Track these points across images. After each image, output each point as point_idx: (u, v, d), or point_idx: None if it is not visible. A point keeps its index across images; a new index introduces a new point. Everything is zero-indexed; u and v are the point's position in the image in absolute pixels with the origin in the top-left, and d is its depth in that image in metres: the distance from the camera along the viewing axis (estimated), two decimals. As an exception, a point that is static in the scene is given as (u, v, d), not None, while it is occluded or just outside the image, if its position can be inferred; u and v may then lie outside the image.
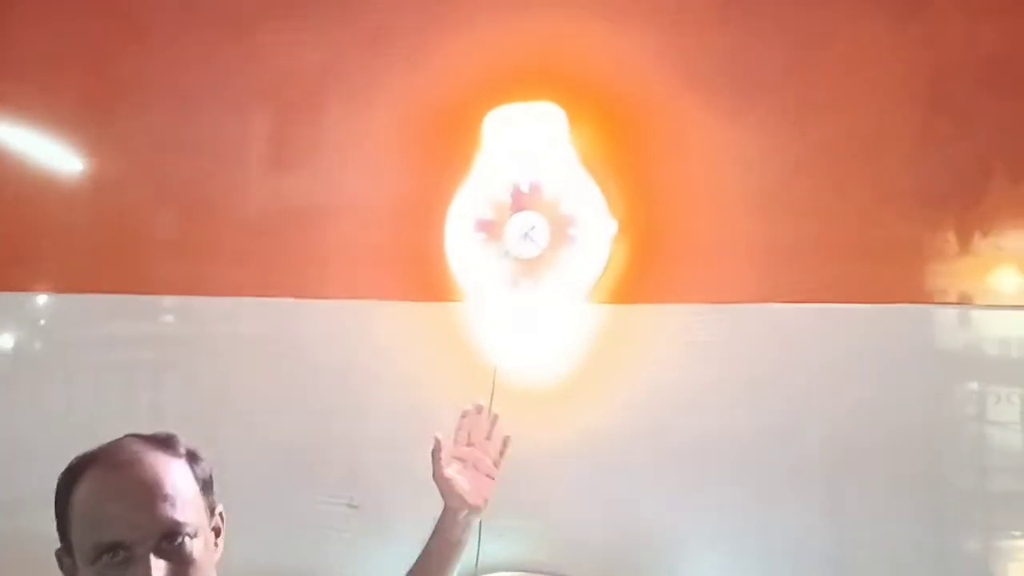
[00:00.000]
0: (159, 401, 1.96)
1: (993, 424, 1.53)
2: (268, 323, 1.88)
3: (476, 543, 1.49)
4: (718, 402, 1.60)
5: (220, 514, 1.18)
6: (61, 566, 1.11)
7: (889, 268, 1.55)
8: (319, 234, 1.85)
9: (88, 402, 1.97)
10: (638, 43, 1.66)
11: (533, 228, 1.61)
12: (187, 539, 1.06)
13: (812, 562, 1.56)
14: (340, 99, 1.84)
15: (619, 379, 1.64)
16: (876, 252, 1.55)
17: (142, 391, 1.99)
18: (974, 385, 1.54)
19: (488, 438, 1.47)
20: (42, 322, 2.03)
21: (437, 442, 1.39)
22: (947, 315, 1.54)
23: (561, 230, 1.61)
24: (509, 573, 1.67)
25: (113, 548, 1.03)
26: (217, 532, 1.16)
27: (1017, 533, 1.52)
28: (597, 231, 1.61)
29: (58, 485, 1.11)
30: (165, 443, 1.14)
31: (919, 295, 1.54)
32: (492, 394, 1.63)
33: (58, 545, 1.12)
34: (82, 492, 1.08)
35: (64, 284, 2.00)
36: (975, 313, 1.52)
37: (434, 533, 1.42)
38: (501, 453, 1.46)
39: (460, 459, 1.43)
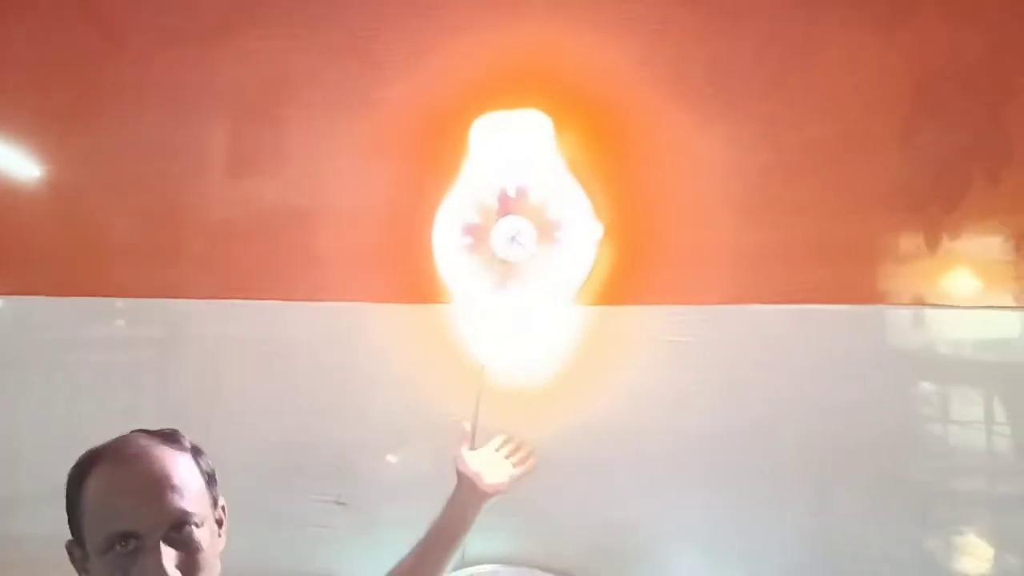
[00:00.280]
0: (144, 403, 1.98)
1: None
2: (257, 325, 1.90)
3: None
4: (699, 400, 1.64)
5: (223, 507, 1.22)
6: (72, 558, 1.15)
7: (867, 270, 1.59)
8: (309, 237, 1.87)
9: (73, 404, 1.99)
10: (623, 52, 1.69)
11: (520, 232, 1.63)
12: (195, 528, 1.10)
13: (790, 558, 1.61)
14: (331, 106, 1.87)
15: (603, 378, 1.68)
16: (853, 255, 1.59)
17: (128, 393, 2.00)
18: (958, 387, 1.58)
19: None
20: (27, 324, 2.04)
21: (463, 430, 1.59)
22: (925, 316, 1.58)
23: (548, 234, 1.63)
24: (495, 566, 1.71)
25: (125, 537, 1.06)
26: (220, 524, 1.20)
27: (975, 530, 1.57)
28: (583, 235, 1.64)
29: (68, 480, 1.14)
30: (170, 438, 1.18)
31: (891, 297, 1.58)
32: (479, 394, 1.68)
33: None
34: (93, 485, 1.11)
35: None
36: (955, 313, 1.56)
37: (441, 513, 1.52)
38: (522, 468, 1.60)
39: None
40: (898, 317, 1.60)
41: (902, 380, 1.60)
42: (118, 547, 1.07)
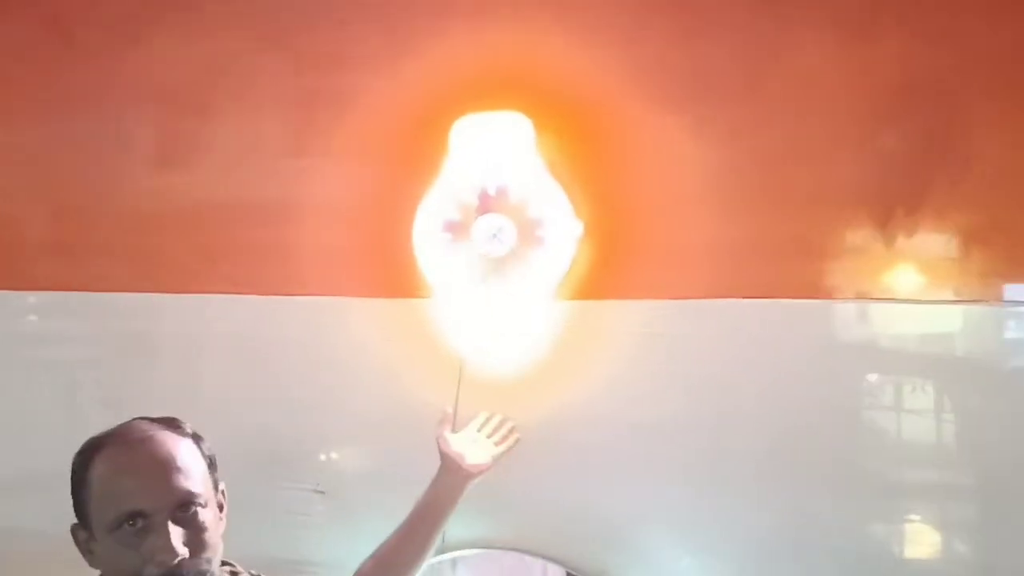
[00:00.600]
0: (129, 397, 1.96)
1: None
2: (237, 320, 1.93)
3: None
4: (674, 391, 1.68)
5: (223, 491, 1.26)
6: (76, 540, 1.18)
7: (838, 265, 1.61)
8: (291, 232, 1.88)
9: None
10: (601, 56, 1.71)
11: (501, 229, 1.65)
12: (200, 508, 1.14)
13: (765, 545, 1.66)
14: (315, 105, 1.88)
15: (583, 370, 1.70)
16: (826, 251, 1.61)
17: (108, 389, 2.03)
18: (930, 379, 1.62)
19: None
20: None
21: (445, 413, 1.63)
22: (893, 310, 1.60)
23: (529, 232, 1.66)
24: (475, 550, 1.75)
25: (133, 516, 1.10)
26: (221, 508, 1.24)
27: (922, 519, 1.63)
28: (563, 232, 1.66)
29: (74, 465, 1.18)
30: (172, 424, 1.22)
31: (862, 291, 1.61)
32: (459, 386, 1.72)
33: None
34: (99, 468, 1.15)
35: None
36: (924, 308, 1.59)
37: (425, 493, 1.56)
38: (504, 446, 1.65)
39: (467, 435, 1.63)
40: (867, 311, 1.63)
41: (859, 373, 1.64)
42: (127, 526, 1.10)
